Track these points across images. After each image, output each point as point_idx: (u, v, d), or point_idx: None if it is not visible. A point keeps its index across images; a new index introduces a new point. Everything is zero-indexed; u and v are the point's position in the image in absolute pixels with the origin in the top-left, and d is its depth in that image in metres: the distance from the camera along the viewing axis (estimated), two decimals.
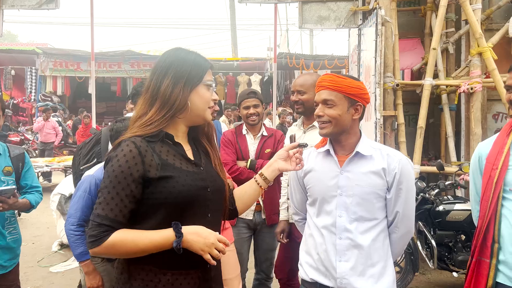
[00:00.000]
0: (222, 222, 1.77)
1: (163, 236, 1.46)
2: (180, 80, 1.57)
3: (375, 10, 4.87)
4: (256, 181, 1.79)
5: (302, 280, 2.05)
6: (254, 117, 3.34)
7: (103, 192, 1.48)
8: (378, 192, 1.90)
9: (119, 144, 1.52)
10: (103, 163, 2.93)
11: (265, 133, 3.48)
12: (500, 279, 1.92)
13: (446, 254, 4.11)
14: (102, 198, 1.47)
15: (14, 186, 2.50)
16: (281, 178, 3.22)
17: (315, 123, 3.01)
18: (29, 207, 2.71)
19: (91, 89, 15.30)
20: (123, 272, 1.55)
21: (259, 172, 1.81)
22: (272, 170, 1.79)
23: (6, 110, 2.55)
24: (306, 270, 2.01)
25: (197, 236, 1.48)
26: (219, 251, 1.51)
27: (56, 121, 12.54)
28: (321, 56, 15.94)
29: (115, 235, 1.44)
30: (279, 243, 3.18)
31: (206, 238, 1.48)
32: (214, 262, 1.51)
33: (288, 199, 3.17)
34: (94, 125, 7.95)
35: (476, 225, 2.19)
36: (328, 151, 1.99)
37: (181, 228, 1.47)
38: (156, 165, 1.50)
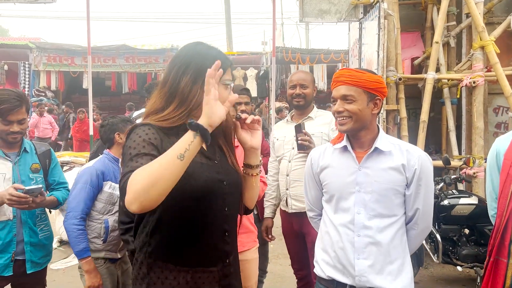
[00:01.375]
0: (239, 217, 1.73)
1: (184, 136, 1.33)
2: (199, 78, 1.51)
3: (378, 4, 4.83)
4: (244, 172, 1.69)
5: (318, 277, 2.03)
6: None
7: (127, 164, 1.37)
8: (397, 188, 1.87)
9: (134, 129, 1.48)
10: (101, 156, 2.93)
11: None
12: None
13: (451, 248, 4.11)
14: (127, 160, 1.38)
15: (40, 185, 2.46)
16: (267, 175, 3.21)
17: (311, 114, 3.04)
18: (56, 204, 2.68)
19: (86, 84, 15.29)
20: (142, 267, 1.52)
21: (241, 165, 1.72)
22: (249, 153, 1.65)
23: None
24: (322, 268, 1.99)
25: (208, 111, 1.34)
26: None
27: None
28: (317, 50, 15.89)
29: (136, 170, 1.28)
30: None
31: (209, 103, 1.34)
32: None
33: (272, 197, 3.20)
34: (91, 120, 7.86)
35: (493, 223, 2.17)
36: (345, 147, 1.96)
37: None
38: None
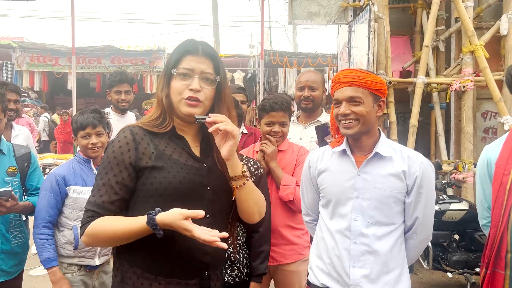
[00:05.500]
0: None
1: (140, 219, 1.34)
2: (163, 72, 1.51)
3: (368, 7, 4.79)
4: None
5: (312, 285, 1.95)
6: None
7: (97, 179, 1.46)
8: (397, 195, 1.80)
9: (121, 131, 1.48)
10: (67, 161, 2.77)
11: (245, 131, 3.34)
12: None
13: (441, 254, 4.06)
14: (94, 185, 1.45)
15: (10, 189, 2.33)
16: None
17: (320, 118, 2.95)
18: (32, 210, 2.53)
19: (70, 85, 15.03)
20: (117, 276, 1.48)
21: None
22: (228, 164, 1.47)
23: None
24: (317, 275, 1.91)
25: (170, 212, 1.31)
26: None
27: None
28: (305, 53, 15.89)
29: (96, 222, 1.40)
30: None
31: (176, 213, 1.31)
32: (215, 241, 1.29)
33: None
34: None
35: (484, 232, 2.12)
36: (344, 150, 1.88)
37: (157, 212, 1.32)
38: (150, 153, 1.43)
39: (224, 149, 1.43)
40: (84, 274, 2.54)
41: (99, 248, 2.54)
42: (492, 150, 2.05)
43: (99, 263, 2.56)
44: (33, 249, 5.46)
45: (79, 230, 2.44)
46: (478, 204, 2.21)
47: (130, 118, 3.79)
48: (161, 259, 1.42)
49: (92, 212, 1.40)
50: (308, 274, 2.04)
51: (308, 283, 2.05)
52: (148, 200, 1.42)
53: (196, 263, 1.45)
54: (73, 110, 7.50)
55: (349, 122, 1.80)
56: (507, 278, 1.84)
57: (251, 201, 1.55)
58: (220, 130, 1.40)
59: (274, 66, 15.68)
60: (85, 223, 1.41)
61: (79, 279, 2.52)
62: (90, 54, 15.63)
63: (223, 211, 1.56)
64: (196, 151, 1.53)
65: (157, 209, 1.33)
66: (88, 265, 2.54)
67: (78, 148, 2.63)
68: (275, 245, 2.42)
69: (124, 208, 1.45)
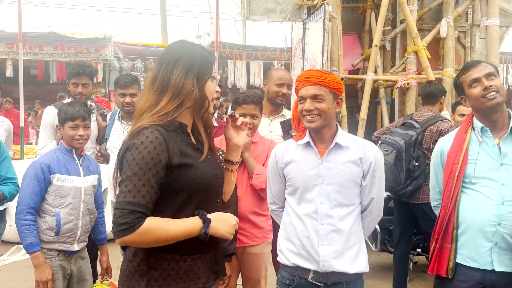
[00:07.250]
0: None
1: (191, 224, 1.54)
2: (191, 72, 1.61)
3: (323, 6, 5.05)
4: (225, 167, 1.85)
5: (283, 265, 2.16)
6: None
7: (132, 179, 1.48)
8: (355, 179, 2.06)
9: (140, 131, 1.53)
10: (49, 149, 2.81)
11: (215, 124, 3.47)
12: (459, 260, 2.17)
13: (387, 237, 4.44)
14: (131, 186, 1.47)
15: None
16: None
17: (284, 113, 3.17)
18: (2, 199, 2.55)
19: (9, 72, 14.29)
20: (141, 265, 1.56)
21: (223, 160, 1.88)
22: (231, 150, 1.86)
23: None
24: (287, 256, 2.12)
25: (222, 221, 1.60)
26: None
27: None
28: (254, 47, 16.11)
29: (148, 222, 1.48)
30: None
31: (229, 222, 1.63)
32: (230, 237, 1.66)
33: None
34: (21, 111, 7.39)
35: (435, 213, 2.43)
36: (308, 143, 2.10)
37: (206, 215, 1.56)
38: (177, 152, 1.55)
39: (241, 138, 1.84)
40: (63, 259, 2.62)
41: (78, 234, 2.62)
42: (445, 142, 2.38)
43: (77, 249, 2.65)
44: None
45: (62, 217, 2.56)
46: (431, 188, 2.53)
47: None
48: (186, 240, 1.56)
49: (139, 213, 1.46)
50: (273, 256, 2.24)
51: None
52: (178, 195, 1.56)
53: (211, 240, 1.63)
54: (21, 99, 7.21)
55: (312, 117, 2.04)
56: (452, 251, 2.16)
57: (234, 183, 1.88)
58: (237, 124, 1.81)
59: (224, 58, 15.76)
60: (134, 224, 1.44)
61: (58, 264, 2.60)
62: (31, 40, 14.78)
63: (222, 195, 1.82)
64: (193, 139, 1.71)
65: (200, 211, 1.57)
66: (68, 251, 2.62)
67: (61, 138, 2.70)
68: (243, 229, 2.62)
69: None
